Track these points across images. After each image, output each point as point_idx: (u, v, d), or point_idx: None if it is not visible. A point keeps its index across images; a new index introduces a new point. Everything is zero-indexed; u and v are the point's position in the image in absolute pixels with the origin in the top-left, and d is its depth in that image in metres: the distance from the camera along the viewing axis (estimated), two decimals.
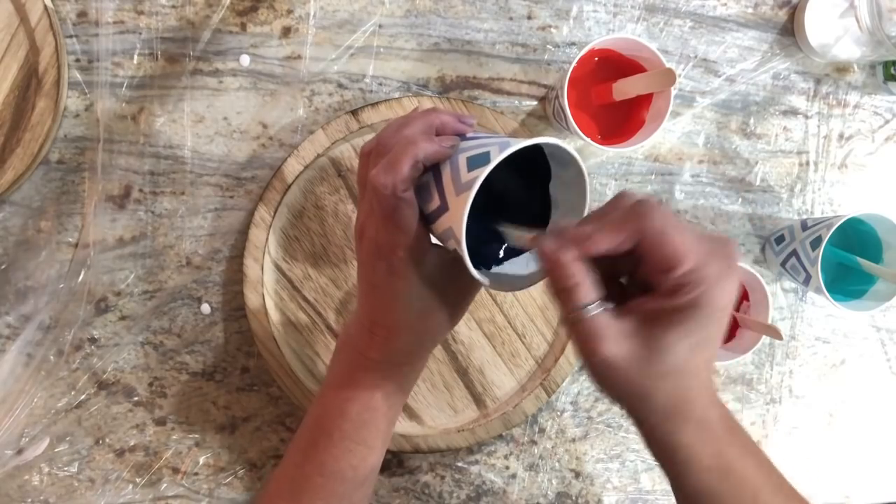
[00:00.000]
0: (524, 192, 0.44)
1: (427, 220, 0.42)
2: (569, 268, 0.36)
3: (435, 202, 0.40)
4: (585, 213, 0.41)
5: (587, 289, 0.36)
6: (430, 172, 0.41)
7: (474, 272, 0.39)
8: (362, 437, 0.47)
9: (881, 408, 0.73)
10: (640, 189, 0.69)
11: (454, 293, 0.45)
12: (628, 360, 0.36)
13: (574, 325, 0.37)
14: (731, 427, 0.40)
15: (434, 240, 0.44)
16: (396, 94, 0.67)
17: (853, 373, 0.73)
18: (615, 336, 0.36)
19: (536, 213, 0.44)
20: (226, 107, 0.66)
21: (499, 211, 0.43)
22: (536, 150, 0.38)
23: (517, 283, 0.42)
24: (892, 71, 0.68)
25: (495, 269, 0.43)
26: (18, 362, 0.65)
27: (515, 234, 0.42)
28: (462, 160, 0.39)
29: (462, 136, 0.42)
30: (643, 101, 0.61)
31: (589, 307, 0.36)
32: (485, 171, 0.36)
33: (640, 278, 0.38)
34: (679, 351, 0.36)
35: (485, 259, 0.42)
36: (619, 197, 0.39)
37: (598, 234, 0.36)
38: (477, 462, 0.69)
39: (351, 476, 0.47)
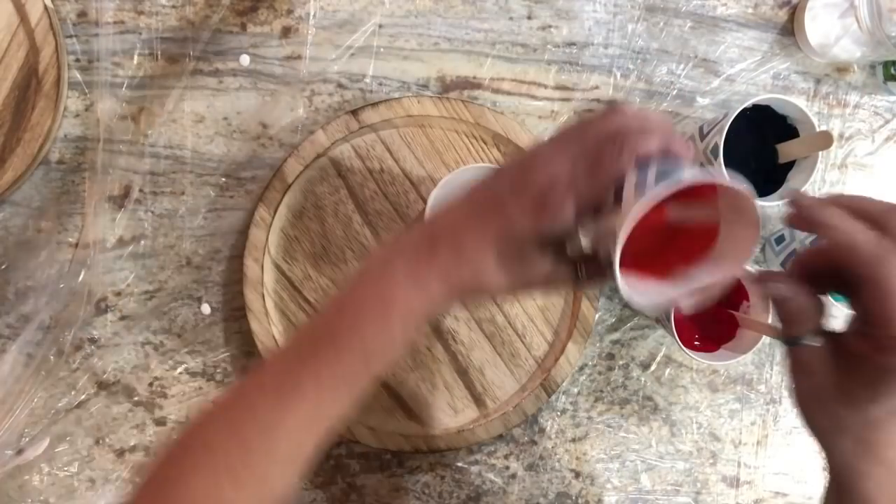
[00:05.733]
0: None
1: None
2: (785, 302, 0.37)
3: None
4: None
5: (799, 322, 0.38)
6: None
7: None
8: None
9: None
10: None
11: (528, 274, 0.41)
12: (821, 400, 0.37)
13: (786, 351, 0.38)
14: None
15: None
16: (396, 94, 0.67)
17: None
18: (814, 373, 0.37)
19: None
20: (226, 107, 0.66)
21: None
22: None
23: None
24: (892, 71, 0.68)
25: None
26: (18, 362, 0.65)
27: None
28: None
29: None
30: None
31: (801, 339, 0.37)
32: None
33: (857, 308, 0.37)
34: (873, 411, 0.36)
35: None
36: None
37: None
38: (477, 462, 0.69)
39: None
